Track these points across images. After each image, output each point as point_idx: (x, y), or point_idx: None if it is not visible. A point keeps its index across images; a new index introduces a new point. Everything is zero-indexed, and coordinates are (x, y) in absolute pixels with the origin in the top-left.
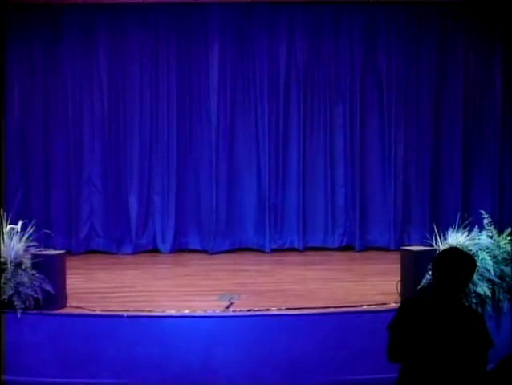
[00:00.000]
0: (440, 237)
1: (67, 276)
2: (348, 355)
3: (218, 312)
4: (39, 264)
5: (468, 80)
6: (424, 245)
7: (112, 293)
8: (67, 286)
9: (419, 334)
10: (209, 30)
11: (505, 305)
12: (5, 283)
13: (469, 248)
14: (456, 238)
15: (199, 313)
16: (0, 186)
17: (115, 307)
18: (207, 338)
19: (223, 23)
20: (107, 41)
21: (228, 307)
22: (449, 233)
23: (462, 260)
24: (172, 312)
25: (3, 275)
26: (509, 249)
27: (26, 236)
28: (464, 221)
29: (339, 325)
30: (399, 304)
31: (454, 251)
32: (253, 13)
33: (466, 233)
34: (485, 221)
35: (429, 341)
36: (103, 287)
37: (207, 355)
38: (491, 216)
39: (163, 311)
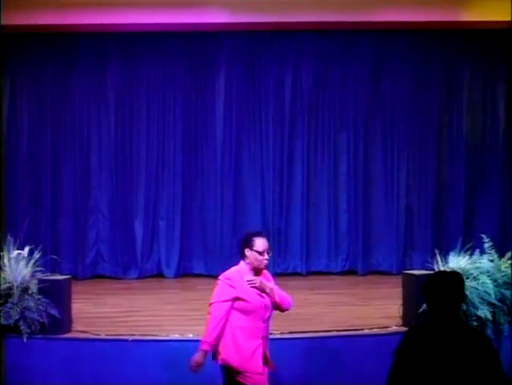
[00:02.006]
0: (441, 261)
1: (75, 300)
2: (350, 378)
3: None
4: (46, 289)
5: (472, 107)
6: (426, 269)
7: (120, 317)
8: (74, 311)
9: (426, 362)
10: (214, 57)
11: (506, 328)
12: (11, 308)
13: (471, 271)
14: (457, 262)
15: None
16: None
17: (123, 331)
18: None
19: (230, 51)
20: (116, 69)
21: None
22: (451, 256)
23: (449, 279)
24: (177, 336)
25: (9, 300)
26: (509, 272)
27: (32, 261)
28: (465, 245)
29: (342, 348)
30: (400, 327)
31: (440, 273)
32: (261, 40)
33: (468, 257)
34: (486, 245)
35: (437, 370)
36: (111, 312)
37: (213, 379)
38: (492, 240)
39: (167, 335)
